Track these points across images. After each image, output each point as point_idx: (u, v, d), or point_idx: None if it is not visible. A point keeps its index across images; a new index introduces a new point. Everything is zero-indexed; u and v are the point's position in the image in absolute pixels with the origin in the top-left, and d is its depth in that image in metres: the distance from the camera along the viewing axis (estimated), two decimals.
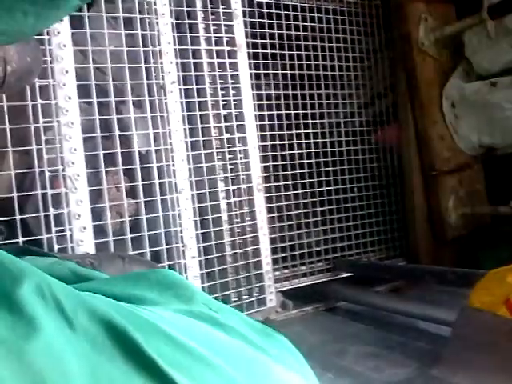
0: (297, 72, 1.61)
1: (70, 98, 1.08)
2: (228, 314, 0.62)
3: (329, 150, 1.67)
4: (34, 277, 0.46)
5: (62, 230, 1.07)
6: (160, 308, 0.57)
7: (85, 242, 1.08)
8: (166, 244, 1.23)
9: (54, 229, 1.07)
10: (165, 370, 0.43)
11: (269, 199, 1.52)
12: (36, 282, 0.45)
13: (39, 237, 1.04)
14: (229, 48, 1.41)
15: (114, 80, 1.20)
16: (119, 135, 1.18)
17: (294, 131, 1.59)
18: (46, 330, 0.41)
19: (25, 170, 1.07)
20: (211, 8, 1.39)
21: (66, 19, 1.08)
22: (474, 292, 1.11)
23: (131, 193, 1.23)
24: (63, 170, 1.07)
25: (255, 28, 1.53)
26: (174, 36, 1.30)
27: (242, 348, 0.56)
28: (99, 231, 1.15)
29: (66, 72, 1.08)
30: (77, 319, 0.44)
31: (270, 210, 1.52)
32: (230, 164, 1.40)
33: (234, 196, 1.41)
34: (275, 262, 1.52)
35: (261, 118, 1.52)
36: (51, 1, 0.58)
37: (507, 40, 1.55)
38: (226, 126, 1.40)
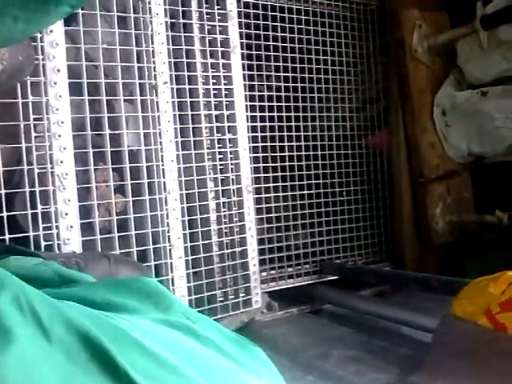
0: (290, 74, 1.61)
1: (60, 96, 1.08)
2: (205, 325, 0.63)
3: (319, 153, 1.67)
4: (11, 287, 0.46)
5: (49, 228, 1.07)
6: (138, 317, 0.58)
7: (71, 241, 1.08)
8: (153, 243, 1.23)
9: (41, 226, 1.07)
10: (137, 381, 0.44)
11: (258, 200, 1.53)
12: (13, 293, 0.46)
13: (26, 234, 1.04)
14: (223, 49, 1.41)
15: (106, 74, 1.20)
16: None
17: (285, 133, 1.60)
18: (20, 342, 0.42)
19: (14, 168, 1.07)
20: (206, 8, 1.39)
21: None
22: (456, 301, 1.12)
23: (120, 189, 1.23)
24: (52, 168, 1.07)
25: (250, 29, 1.53)
26: (167, 35, 1.30)
27: (216, 359, 0.57)
28: (87, 228, 1.15)
29: (58, 71, 1.07)
30: (53, 330, 0.45)
31: (258, 211, 1.53)
32: (220, 165, 1.41)
33: (223, 197, 1.41)
34: (262, 262, 1.53)
35: (253, 119, 1.52)
36: (42, 6, 0.58)
37: (499, 51, 1.57)
38: (217, 127, 1.40)
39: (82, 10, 1.14)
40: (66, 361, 0.43)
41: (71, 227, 1.08)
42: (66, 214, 1.08)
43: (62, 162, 1.08)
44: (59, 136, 1.08)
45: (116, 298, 0.62)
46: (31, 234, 1.04)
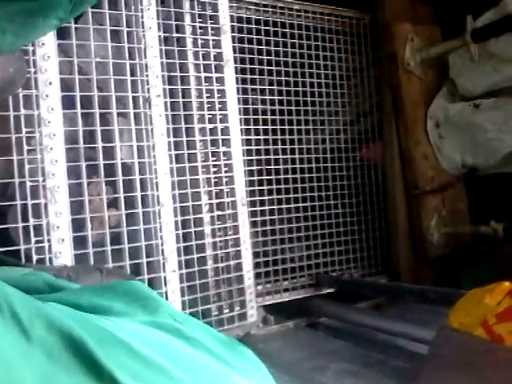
0: (284, 88, 1.62)
1: (52, 109, 1.08)
2: (193, 326, 0.62)
3: (314, 166, 1.68)
4: None
5: (41, 241, 1.07)
6: (125, 319, 0.57)
7: (63, 254, 1.07)
8: (147, 257, 1.22)
9: (33, 239, 1.06)
10: (123, 381, 0.43)
11: (253, 213, 1.53)
12: None
13: (18, 247, 1.03)
14: (216, 63, 1.42)
15: (100, 88, 1.20)
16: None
17: (279, 146, 1.60)
18: None
19: (6, 180, 1.06)
20: (199, 23, 1.40)
21: None
22: (452, 312, 1.11)
23: (114, 203, 1.23)
24: (43, 181, 1.07)
25: (243, 43, 1.54)
26: (161, 49, 1.31)
27: (206, 360, 0.56)
28: (80, 242, 1.15)
29: (50, 83, 1.08)
30: (33, 331, 0.44)
31: (253, 224, 1.52)
32: (214, 178, 1.41)
33: (217, 210, 1.41)
34: (258, 276, 1.52)
35: (247, 132, 1.53)
36: (29, 19, 0.58)
37: (490, 63, 1.58)
38: (211, 140, 1.41)
39: (76, 23, 1.14)
40: (46, 361, 0.42)
41: (63, 240, 1.07)
42: (58, 227, 1.07)
43: (53, 174, 1.07)
44: (51, 149, 1.08)
45: (103, 301, 0.61)
46: (22, 247, 1.03)
